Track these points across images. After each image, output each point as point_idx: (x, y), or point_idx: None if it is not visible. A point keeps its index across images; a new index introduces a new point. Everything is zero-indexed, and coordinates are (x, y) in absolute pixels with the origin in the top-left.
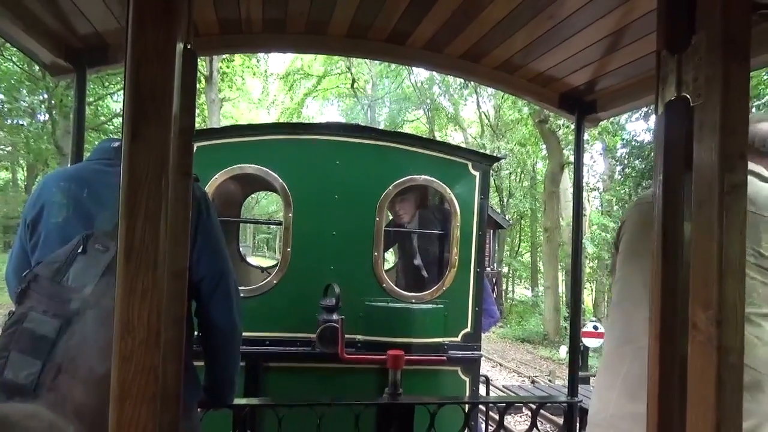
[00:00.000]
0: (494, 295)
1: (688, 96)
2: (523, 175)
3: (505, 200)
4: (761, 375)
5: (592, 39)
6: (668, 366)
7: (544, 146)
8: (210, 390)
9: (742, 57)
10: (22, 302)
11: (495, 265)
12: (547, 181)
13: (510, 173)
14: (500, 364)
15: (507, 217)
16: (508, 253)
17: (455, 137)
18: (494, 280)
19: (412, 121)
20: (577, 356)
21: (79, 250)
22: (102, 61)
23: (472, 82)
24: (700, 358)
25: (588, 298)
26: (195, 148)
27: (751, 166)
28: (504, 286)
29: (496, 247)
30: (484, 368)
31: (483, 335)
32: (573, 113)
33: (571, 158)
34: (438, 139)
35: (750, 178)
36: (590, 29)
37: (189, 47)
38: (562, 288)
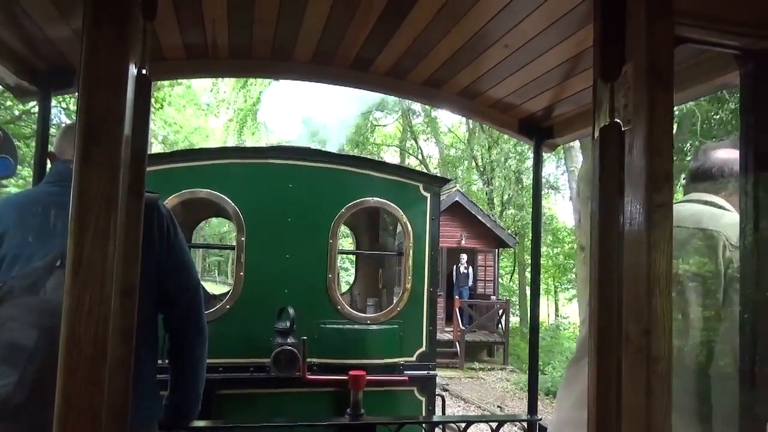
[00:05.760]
0: (500, 329)
1: (619, 121)
2: (521, 184)
3: (499, 212)
4: None
5: (546, 68)
6: (607, 376)
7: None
8: (175, 407)
9: (666, 85)
10: None
11: (498, 292)
12: (582, 183)
13: (506, 180)
14: None
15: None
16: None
17: (427, 148)
18: (501, 311)
19: (385, 125)
20: (537, 375)
21: (57, 264)
22: (67, 84)
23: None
24: (632, 368)
25: None
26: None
27: (709, 197)
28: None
29: (500, 271)
30: None
31: (505, 391)
32: (532, 138)
33: None
34: (413, 144)
35: (713, 210)
36: (544, 58)
37: (144, 72)
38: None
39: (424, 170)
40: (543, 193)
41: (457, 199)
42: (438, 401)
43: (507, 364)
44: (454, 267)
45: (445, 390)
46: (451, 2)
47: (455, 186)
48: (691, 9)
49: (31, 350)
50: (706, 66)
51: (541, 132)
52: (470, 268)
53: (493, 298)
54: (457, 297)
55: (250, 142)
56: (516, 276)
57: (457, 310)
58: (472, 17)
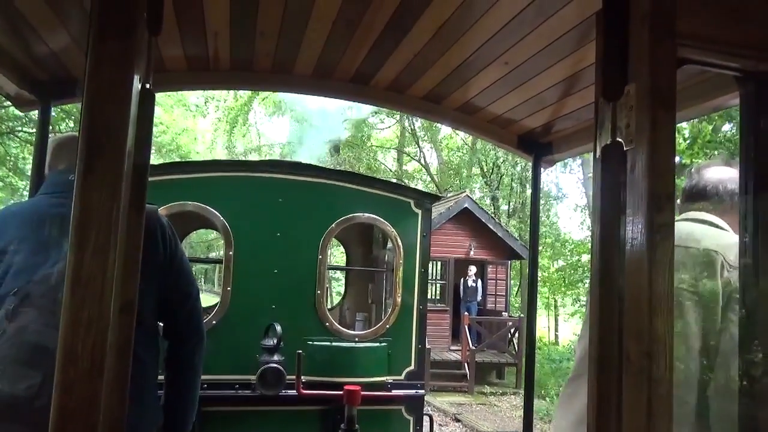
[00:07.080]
0: (511, 348)
1: (621, 141)
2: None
3: (506, 221)
4: None
5: (546, 85)
6: (607, 396)
7: None
8: (171, 414)
9: (668, 106)
10: (15, 320)
11: (509, 308)
12: None
13: (514, 182)
14: None
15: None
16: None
17: (428, 153)
18: (513, 329)
19: (382, 129)
20: (533, 391)
21: None
22: (67, 94)
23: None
24: (633, 389)
25: None
26: None
27: (705, 216)
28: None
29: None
30: None
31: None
32: (530, 154)
33: None
34: (413, 147)
35: (710, 229)
36: (543, 76)
37: (148, 87)
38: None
39: (426, 174)
40: (552, 202)
41: (466, 205)
42: (426, 421)
43: (520, 387)
44: (462, 280)
45: (457, 420)
46: (452, 19)
47: (464, 192)
48: (694, 30)
49: (53, 352)
50: (707, 86)
51: (540, 148)
52: (479, 282)
53: (505, 314)
54: (465, 313)
55: (240, 145)
56: (521, 290)
57: (466, 327)
58: (472, 34)
